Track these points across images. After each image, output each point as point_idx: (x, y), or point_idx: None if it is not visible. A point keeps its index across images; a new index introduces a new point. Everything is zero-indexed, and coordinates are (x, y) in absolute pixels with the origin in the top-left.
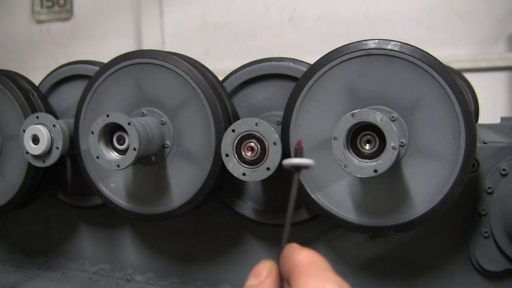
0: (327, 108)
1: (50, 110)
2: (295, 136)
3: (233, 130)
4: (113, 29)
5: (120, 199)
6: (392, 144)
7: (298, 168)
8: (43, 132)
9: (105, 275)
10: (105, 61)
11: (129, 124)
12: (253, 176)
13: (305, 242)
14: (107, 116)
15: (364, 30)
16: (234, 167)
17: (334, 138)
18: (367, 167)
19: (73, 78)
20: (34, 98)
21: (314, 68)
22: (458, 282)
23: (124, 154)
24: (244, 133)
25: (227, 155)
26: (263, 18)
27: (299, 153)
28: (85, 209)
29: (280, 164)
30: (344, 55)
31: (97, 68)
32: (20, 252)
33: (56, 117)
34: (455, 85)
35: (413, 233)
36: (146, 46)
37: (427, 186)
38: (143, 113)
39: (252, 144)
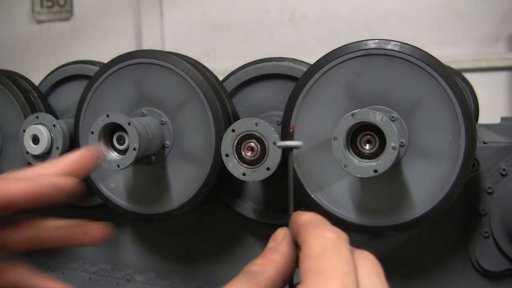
0: (327, 108)
1: (50, 110)
2: (295, 136)
3: (233, 130)
4: (113, 29)
5: (120, 199)
6: (392, 144)
7: (290, 148)
8: (43, 132)
9: (105, 275)
10: (105, 61)
11: (129, 124)
12: (253, 176)
13: None
14: (107, 116)
15: (364, 30)
16: (234, 167)
17: (334, 138)
18: (367, 167)
19: (73, 78)
20: (34, 98)
21: (314, 68)
22: (458, 282)
23: (124, 154)
24: (244, 133)
25: (227, 155)
26: (263, 18)
27: (290, 136)
28: (85, 209)
29: (280, 164)
30: (344, 55)
31: (97, 68)
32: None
33: (56, 117)
34: (455, 85)
35: (413, 233)
36: (146, 46)
37: (427, 186)
38: (143, 113)
39: (252, 144)
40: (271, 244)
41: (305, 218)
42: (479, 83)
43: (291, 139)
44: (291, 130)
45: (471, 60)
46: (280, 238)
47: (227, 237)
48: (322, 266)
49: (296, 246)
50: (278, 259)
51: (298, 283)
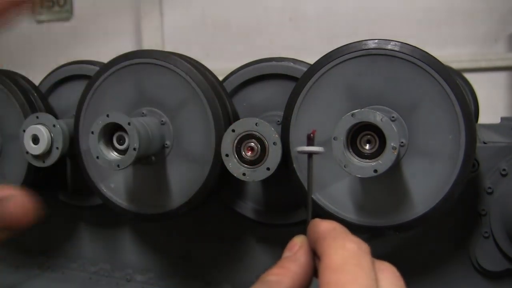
0: (327, 108)
1: (50, 110)
2: (295, 136)
3: (233, 130)
4: (113, 29)
5: (120, 199)
6: (392, 144)
7: (310, 154)
8: (43, 132)
9: (105, 275)
10: (105, 61)
11: (129, 124)
12: (253, 176)
13: None
14: (107, 116)
15: (364, 30)
16: (234, 167)
17: (334, 138)
18: (367, 167)
19: (73, 78)
20: (34, 98)
21: (314, 68)
22: (458, 282)
23: (124, 154)
24: (244, 133)
25: (227, 155)
26: (263, 18)
27: (310, 142)
28: (85, 209)
29: (280, 164)
30: (344, 55)
31: (97, 68)
32: (20, 252)
33: (56, 117)
34: (455, 85)
35: (413, 233)
36: (146, 46)
37: (427, 186)
38: (143, 113)
39: (252, 144)
40: (287, 253)
41: (324, 227)
42: (479, 83)
43: (312, 144)
44: (311, 135)
45: (471, 60)
46: (297, 246)
47: (227, 237)
48: (343, 278)
49: (314, 255)
50: (295, 269)
51: None
